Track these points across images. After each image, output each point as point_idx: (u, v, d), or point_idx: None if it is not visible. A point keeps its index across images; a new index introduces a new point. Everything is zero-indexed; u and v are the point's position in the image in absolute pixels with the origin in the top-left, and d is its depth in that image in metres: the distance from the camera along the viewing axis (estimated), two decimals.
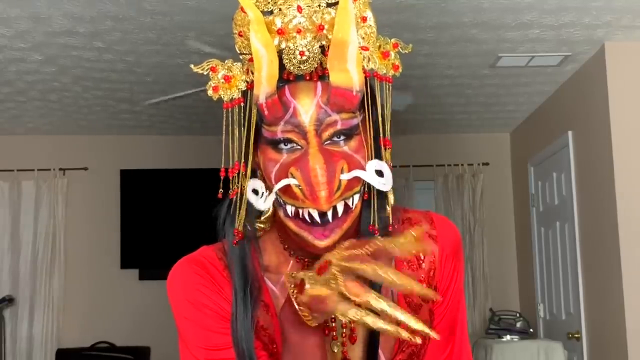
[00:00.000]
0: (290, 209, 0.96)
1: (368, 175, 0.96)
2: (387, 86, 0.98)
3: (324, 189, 0.92)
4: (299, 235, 0.97)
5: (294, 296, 0.88)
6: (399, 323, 0.84)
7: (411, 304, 1.07)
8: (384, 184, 0.96)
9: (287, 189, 0.95)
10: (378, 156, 0.98)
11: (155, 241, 5.76)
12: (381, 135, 0.98)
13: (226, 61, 0.99)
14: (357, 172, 0.95)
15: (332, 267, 0.85)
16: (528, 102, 5.24)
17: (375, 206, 0.98)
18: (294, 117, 0.94)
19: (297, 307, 0.88)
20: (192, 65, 1.00)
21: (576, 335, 4.58)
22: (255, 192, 0.98)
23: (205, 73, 0.99)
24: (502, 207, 6.03)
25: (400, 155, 5.94)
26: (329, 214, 0.94)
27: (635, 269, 3.95)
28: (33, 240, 5.73)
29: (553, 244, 5.10)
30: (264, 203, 0.98)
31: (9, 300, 5.53)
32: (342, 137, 0.96)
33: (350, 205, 0.96)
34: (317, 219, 0.94)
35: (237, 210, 1.00)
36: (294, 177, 0.94)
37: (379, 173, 0.97)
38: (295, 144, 0.96)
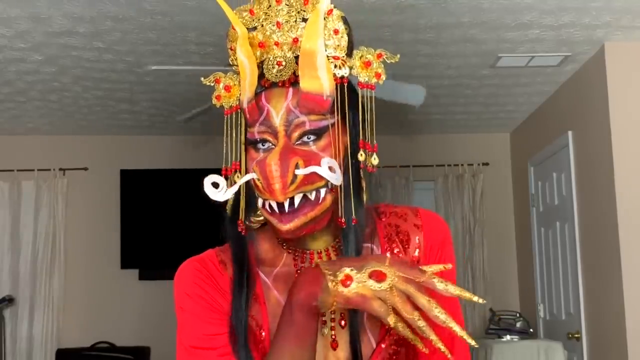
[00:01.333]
0: (260, 200, 1.08)
1: (322, 170, 1.05)
2: (369, 93, 1.08)
3: (278, 182, 1.03)
4: (269, 221, 1.08)
5: (336, 286, 0.97)
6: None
7: None
8: (336, 179, 1.05)
9: (254, 183, 1.07)
10: (354, 156, 1.08)
11: (155, 241, 5.76)
12: (361, 138, 1.08)
13: (228, 73, 1.13)
14: (312, 168, 1.05)
15: (389, 280, 0.96)
16: (528, 102, 5.24)
17: (344, 200, 1.07)
18: (267, 119, 1.06)
19: (333, 294, 0.97)
20: (202, 79, 1.15)
21: (576, 335, 4.58)
22: (215, 185, 1.08)
23: (212, 84, 1.13)
24: (502, 207, 6.03)
25: (400, 155, 5.95)
26: (286, 205, 1.05)
27: (635, 269, 3.96)
28: (33, 240, 5.73)
29: (553, 244, 5.10)
30: (223, 195, 1.07)
31: (9, 300, 5.53)
32: (311, 138, 1.07)
33: (311, 197, 1.06)
34: (275, 208, 1.05)
35: (238, 204, 1.11)
36: (255, 172, 1.06)
37: (331, 169, 1.06)
38: (270, 144, 1.07)
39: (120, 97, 4.95)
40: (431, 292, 1.13)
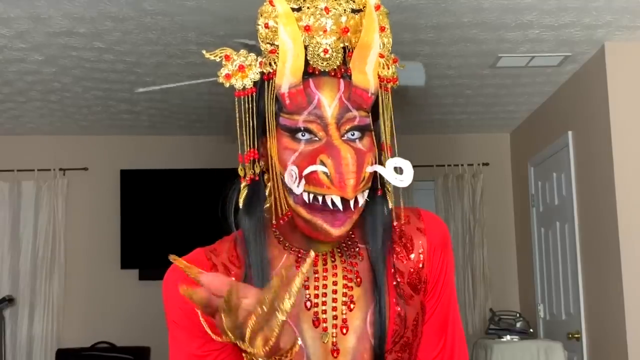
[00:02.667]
0: (307, 196, 0.99)
1: (387, 171, 1.01)
2: (388, 96, 1.05)
3: (353, 178, 0.97)
4: (312, 223, 1.00)
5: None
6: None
7: (403, 295, 1.10)
8: (402, 180, 1.01)
9: (310, 176, 0.99)
10: (379, 159, 1.04)
11: (155, 241, 5.75)
12: (386, 141, 1.05)
13: (241, 51, 1.04)
14: (377, 167, 1.01)
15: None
16: (528, 102, 5.24)
17: (388, 202, 1.05)
18: (317, 109, 1.00)
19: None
20: (204, 51, 1.06)
21: (576, 336, 4.58)
22: (291, 176, 1.01)
23: (218, 60, 1.04)
24: (502, 207, 6.03)
25: (400, 156, 5.93)
26: (351, 202, 0.99)
27: (635, 269, 3.96)
28: (33, 240, 5.72)
29: (553, 244, 5.10)
30: (297, 187, 1.00)
31: (9, 300, 5.52)
32: (356, 135, 1.01)
33: (362, 199, 1.01)
34: (339, 205, 0.98)
35: (252, 196, 1.05)
36: (323, 164, 0.98)
37: (398, 170, 1.01)
38: (314, 135, 1.00)
39: (120, 97, 4.94)
40: (426, 311, 1.12)
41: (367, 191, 1.02)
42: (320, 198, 0.99)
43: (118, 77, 4.52)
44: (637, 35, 3.97)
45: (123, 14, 3.54)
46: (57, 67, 4.29)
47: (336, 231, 1.00)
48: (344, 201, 0.98)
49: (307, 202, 1.00)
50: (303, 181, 0.99)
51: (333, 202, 0.98)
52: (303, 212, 1.01)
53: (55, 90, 4.74)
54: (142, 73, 4.45)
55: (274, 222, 1.08)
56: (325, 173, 0.98)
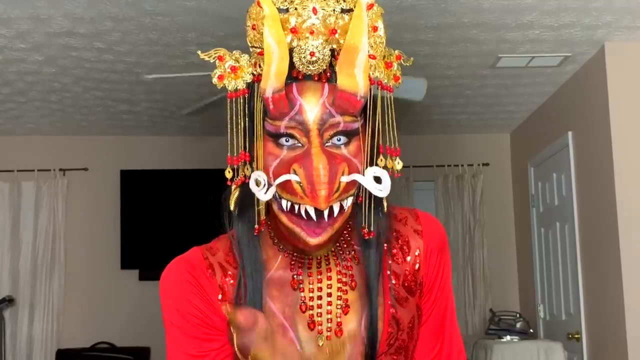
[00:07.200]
0: (285, 204, 0.99)
1: (366, 180, 0.99)
2: (388, 95, 1.02)
3: (325, 189, 0.95)
4: (291, 230, 1.00)
5: None
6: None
7: (397, 297, 1.10)
8: (381, 190, 0.99)
9: (286, 185, 0.97)
10: (373, 163, 1.02)
11: (155, 241, 5.75)
12: (383, 143, 1.02)
13: (234, 52, 1.03)
14: (355, 176, 0.98)
15: None
16: (528, 103, 5.24)
17: (370, 210, 1.01)
18: (299, 115, 0.97)
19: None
20: (199, 52, 1.05)
21: (576, 336, 4.58)
22: (257, 183, 1.00)
23: (212, 61, 1.02)
24: (502, 207, 6.03)
25: (400, 156, 5.93)
26: (325, 213, 0.97)
27: (635, 269, 3.95)
28: (33, 241, 5.72)
29: (553, 244, 5.10)
30: (264, 195, 1.00)
31: (9, 301, 5.52)
32: (342, 140, 0.99)
33: (344, 207, 0.99)
34: (313, 215, 0.97)
35: (245, 200, 1.04)
36: (296, 174, 0.96)
37: (377, 179, 0.99)
38: (296, 141, 0.98)
39: (120, 97, 4.94)
40: (422, 313, 1.12)
41: (351, 197, 1.00)
42: (296, 207, 0.98)
43: (118, 77, 4.52)
44: (637, 35, 3.97)
45: (123, 14, 3.54)
46: (57, 67, 4.29)
47: (314, 240, 0.98)
48: (319, 211, 0.97)
49: (286, 209, 0.98)
50: (273, 189, 0.98)
51: (307, 212, 0.97)
52: (285, 219, 1.00)
53: (55, 90, 4.74)
54: (142, 73, 4.44)
55: (268, 222, 1.08)
56: (298, 182, 0.96)
